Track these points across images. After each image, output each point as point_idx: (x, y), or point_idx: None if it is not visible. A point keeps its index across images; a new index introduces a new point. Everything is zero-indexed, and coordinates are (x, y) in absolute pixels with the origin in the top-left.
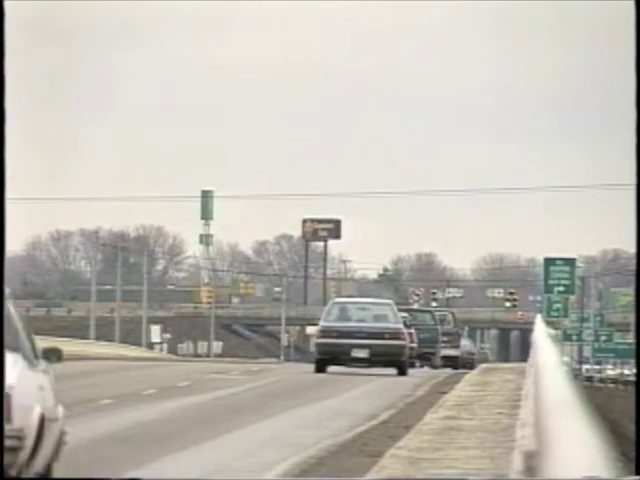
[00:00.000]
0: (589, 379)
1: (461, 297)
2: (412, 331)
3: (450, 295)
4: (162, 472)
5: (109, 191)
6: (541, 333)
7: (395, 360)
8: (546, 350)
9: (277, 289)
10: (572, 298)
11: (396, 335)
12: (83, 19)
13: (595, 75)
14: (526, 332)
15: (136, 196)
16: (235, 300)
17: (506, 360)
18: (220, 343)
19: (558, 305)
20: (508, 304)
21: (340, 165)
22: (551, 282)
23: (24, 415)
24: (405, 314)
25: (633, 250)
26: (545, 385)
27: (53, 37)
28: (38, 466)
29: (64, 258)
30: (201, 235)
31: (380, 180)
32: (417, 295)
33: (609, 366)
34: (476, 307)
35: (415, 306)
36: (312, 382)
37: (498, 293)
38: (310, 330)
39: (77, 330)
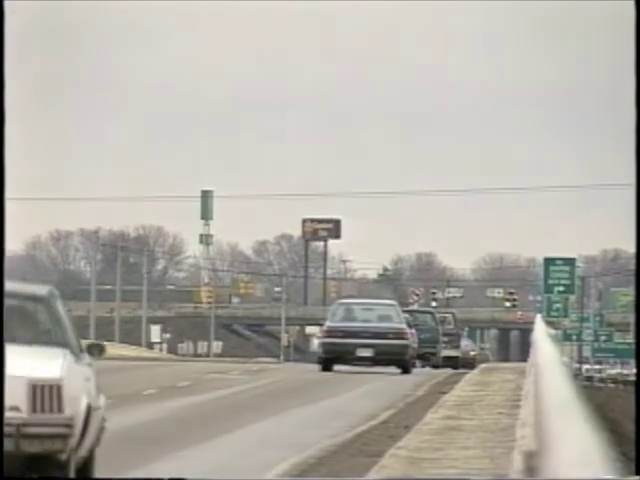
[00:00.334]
0: (589, 379)
1: (461, 297)
2: (413, 331)
3: (450, 295)
4: (162, 472)
5: (109, 191)
6: (541, 333)
7: (399, 359)
8: (546, 350)
9: (277, 289)
10: (572, 298)
11: (400, 335)
12: (83, 19)
13: (595, 75)
14: (526, 332)
15: (136, 196)
16: (235, 300)
17: (506, 360)
18: (220, 343)
19: (558, 305)
20: (508, 304)
21: (340, 165)
22: (551, 282)
23: (73, 405)
24: (406, 315)
25: (633, 250)
26: (545, 385)
27: (54, 37)
28: (83, 451)
29: (64, 258)
30: (201, 235)
31: (380, 180)
32: (417, 295)
33: (607, 366)
34: (476, 307)
35: (415, 306)
36: (312, 382)
37: (498, 293)
38: (310, 330)
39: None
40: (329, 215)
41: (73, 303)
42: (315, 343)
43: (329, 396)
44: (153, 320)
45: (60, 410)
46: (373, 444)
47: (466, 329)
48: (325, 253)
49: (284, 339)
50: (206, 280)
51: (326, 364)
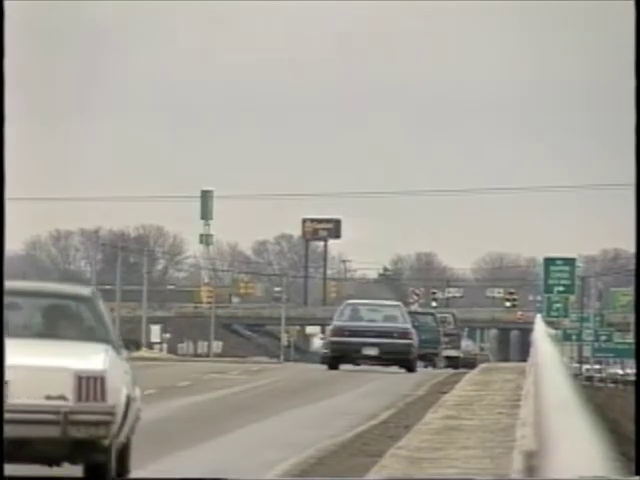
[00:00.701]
0: (589, 379)
1: (461, 297)
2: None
3: (450, 295)
4: (162, 472)
5: (109, 191)
6: (541, 333)
7: (403, 358)
8: (546, 350)
9: (277, 289)
10: (572, 298)
11: (404, 335)
12: (84, 18)
13: (596, 76)
14: (526, 332)
15: (136, 196)
16: (235, 300)
17: (506, 360)
18: (220, 343)
19: (558, 305)
20: (508, 304)
21: (340, 165)
22: (551, 282)
23: (114, 395)
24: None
25: (633, 250)
26: (545, 385)
27: (55, 37)
28: (122, 437)
29: (64, 258)
30: (201, 235)
31: (380, 180)
32: (417, 295)
33: (601, 366)
34: (476, 307)
35: (415, 305)
36: (312, 382)
37: (498, 293)
38: (310, 330)
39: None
40: (329, 215)
41: None
42: (315, 343)
43: (329, 396)
44: (153, 320)
45: (103, 399)
46: (373, 444)
47: (466, 329)
48: (325, 253)
49: (284, 339)
50: (206, 280)
51: (333, 362)
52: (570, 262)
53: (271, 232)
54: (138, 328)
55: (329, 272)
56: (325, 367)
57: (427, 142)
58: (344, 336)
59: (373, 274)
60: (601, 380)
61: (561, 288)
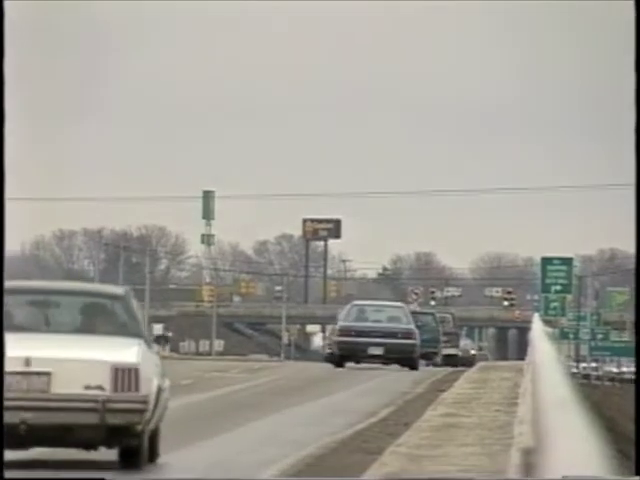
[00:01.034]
0: (586, 377)
1: (459, 296)
2: None
3: (449, 294)
4: (163, 469)
5: (112, 191)
6: (539, 331)
7: (407, 357)
8: (543, 348)
9: (278, 288)
10: (569, 297)
11: (408, 335)
12: (85, 19)
13: (594, 76)
14: (524, 330)
15: (138, 196)
16: (236, 299)
17: (504, 358)
18: (222, 341)
19: (555, 304)
20: (506, 303)
21: (340, 165)
22: (548, 281)
23: (147, 385)
24: None
25: (629, 250)
26: (542, 383)
27: (57, 38)
28: (153, 424)
29: (67, 257)
30: (203, 235)
31: (379, 180)
32: (416, 294)
33: (598, 364)
34: (474, 306)
35: (414, 304)
36: (312, 380)
37: (496, 292)
38: (310, 328)
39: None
40: (329, 215)
41: None
42: (315, 341)
43: (329, 394)
44: (155, 319)
45: (137, 389)
46: (373, 441)
47: (465, 328)
48: (325, 253)
49: (285, 337)
50: (208, 279)
51: (339, 361)
52: (567, 262)
53: (272, 232)
54: None
55: (329, 272)
56: (325, 365)
57: (426, 143)
58: (351, 336)
59: (373, 273)
60: (598, 378)
61: (558, 287)
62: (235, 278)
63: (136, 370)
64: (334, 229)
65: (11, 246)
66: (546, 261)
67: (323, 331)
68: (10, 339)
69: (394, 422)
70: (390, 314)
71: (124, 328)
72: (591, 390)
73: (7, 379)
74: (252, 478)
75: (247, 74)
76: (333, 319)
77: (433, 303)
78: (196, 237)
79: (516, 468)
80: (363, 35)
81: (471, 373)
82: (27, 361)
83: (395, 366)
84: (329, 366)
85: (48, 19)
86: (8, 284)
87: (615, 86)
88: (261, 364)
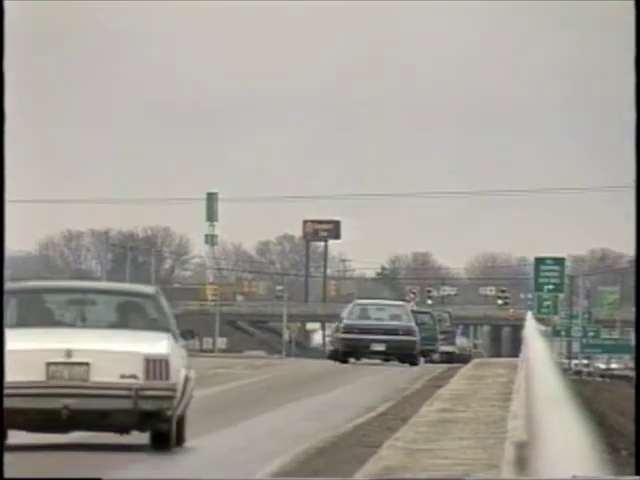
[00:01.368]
0: (577, 373)
1: (455, 295)
2: None
3: (445, 293)
4: (166, 463)
5: (119, 194)
6: (532, 329)
7: (408, 353)
8: (536, 346)
9: (279, 287)
10: (561, 296)
11: (409, 332)
12: (86, 19)
13: (592, 76)
14: (517, 328)
15: (144, 198)
16: (239, 298)
17: (498, 355)
18: (225, 339)
19: (548, 302)
20: (500, 302)
21: (339, 168)
22: (541, 280)
23: (175, 375)
24: None
25: (620, 250)
26: (536, 379)
27: (59, 40)
28: (180, 410)
29: (76, 258)
30: (206, 236)
31: (378, 183)
32: (413, 293)
33: (589, 361)
34: (469, 304)
35: (412, 303)
36: (312, 376)
37: (490, 291)
38: (310, 326)
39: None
40: (329, 216)
41: None
42: (315, 339)
43: (329, 389)
44: None
45: (167, 378)
46: (371, 435)
47: (460, 327)
48: (325, 253)
49: (286, 335)
50: (211, 279)
51: (344, 357)
52: (559, 262)
53: (273, 233)
54: None
55: (329, 271)
56: (324, 362)
57: (423, 146)
58: (354, 333)
59: (371, 273)
60: (589, 374)
61: (551, 286)
62: (238, 277)
63: (166, 361)
64: (334, 230)
65: (22, 247)
66: (539, 261)
67: (323, 329)
68: (52, 333)
69: (392, 417)
70: (391, 312)
71: (155, 323)
72: (582, 386)
73: (51, 369)
74: (249, 478)
75: (249, 80)
76: (333, 317)
77: (430, 302)
78: (200, 238)
79: (510, 461)
80: (363, 37)
81: (466, 370)
82: (68, 353)
83: (394, 362)
84: (329, 363)
85: (48, 19)
86: (50, 284)
87: (613, 87)
88: (263, 361)
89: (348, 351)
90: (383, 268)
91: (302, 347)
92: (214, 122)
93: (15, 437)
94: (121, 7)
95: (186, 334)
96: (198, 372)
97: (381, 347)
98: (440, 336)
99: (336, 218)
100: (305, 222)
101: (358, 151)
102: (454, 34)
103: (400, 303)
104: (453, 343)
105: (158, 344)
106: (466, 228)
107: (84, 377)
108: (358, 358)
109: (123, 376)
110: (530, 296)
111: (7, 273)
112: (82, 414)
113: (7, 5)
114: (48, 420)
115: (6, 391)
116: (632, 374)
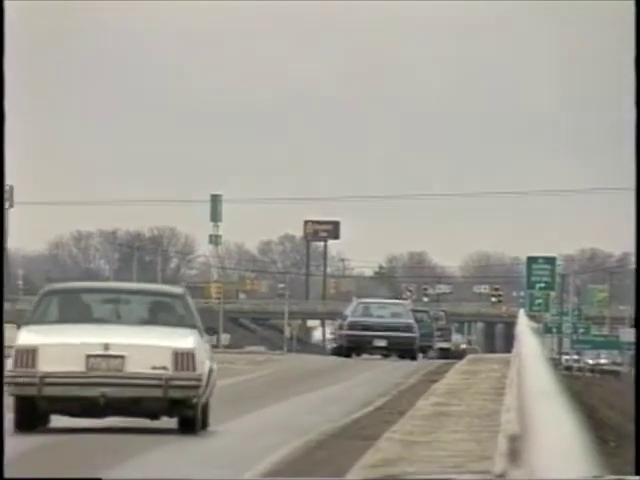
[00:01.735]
0: (568, 368)
1: (450, 293)
2: None
3: (440, 291)
4: (169, 455)
5: (126, 195)
6: (524, 326)
7: (408, 349)
8: (529, 342)
9: (280, 285)
10: (552, 294)
11: (409, 329)
12: (88, 20)
13: (590, 77)
14: (510, 325)
15: (151, 199)
16: (242, 296)
17: (492, 351)
18: (228, 335)
19: (540, 300)
20: (493, 299)
21: (339, 170)
22: (533, 279)
23: (201, 366)
24: None
25: (609, 250)
26: (528, 374)
27: (62, 41)
28: (205, 398)
29: (84, 257)
30: (210, 236)
31: (376, 184)
32: (410, 291)
33: (580, 356)
34: (464, 302)
35: (408, 301)
36: (312, 371)
37: (484, 289)
38: (311, 323)
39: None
40: (329, 217)
41: None
42: (315, 335)
43: (328, 384)
44: None
45: (194, 369)
46: (369, 428)
47: (455, 324)
48: (325, 252)
49: (287, 332)
50: (215, 277)
51: (347, 352)
52: (551, 261)
53: (275, 233)
54: None
55: (329, 270)
56: (324, 357)
57: (419, 149)
58: (357, 330)
59: (369, 272)
60: (579, 369)
61: (542, 285)
62: (241, 276)
63: (192, 354)
64: (333, 230)
65: (33, 246)
66: (531, 260)
67: (323, 326)
68: (91, 329)
69: (389, 411)
70: (392, 310)
71: (182, 320)
72: (573, 381)
73: (90, 361)
74: (244, 478)
75: (250, 83)
76: (332, 314)
77: (426, 299)
78: (204, 238)
79: (502, 453)
80: (363, 37)
81: (461, 365)
82: (106, 346)
83: (393, 358)
84: (329, 358)
85: (48, 19)
86: (88, 284)
87: (613, 89)
88: (265, 357)
89: (352, 347)
90: (381, 267)
91: (303, 343)
92: (220, 127)
93: (57, 421)
94: (121, 7)
95: (209, 331)
96: None
97: (383, 343)
98: (437, 333)
99: (336, 219)
100: (306, 222)
101: (357, 155)
102: (454, 34)
103: (400, 302)
104: (449, 340)
105: (185, 339)
106: (461, 228)
107: (119, 368)
108: (360, 354)
109: (154, 367)
110: (522, 294)
111: (21, 272)
112: (117, 401)
113: (7, 5)
114: (87, 407)
115: (49, 380)
116: (620, 369)
